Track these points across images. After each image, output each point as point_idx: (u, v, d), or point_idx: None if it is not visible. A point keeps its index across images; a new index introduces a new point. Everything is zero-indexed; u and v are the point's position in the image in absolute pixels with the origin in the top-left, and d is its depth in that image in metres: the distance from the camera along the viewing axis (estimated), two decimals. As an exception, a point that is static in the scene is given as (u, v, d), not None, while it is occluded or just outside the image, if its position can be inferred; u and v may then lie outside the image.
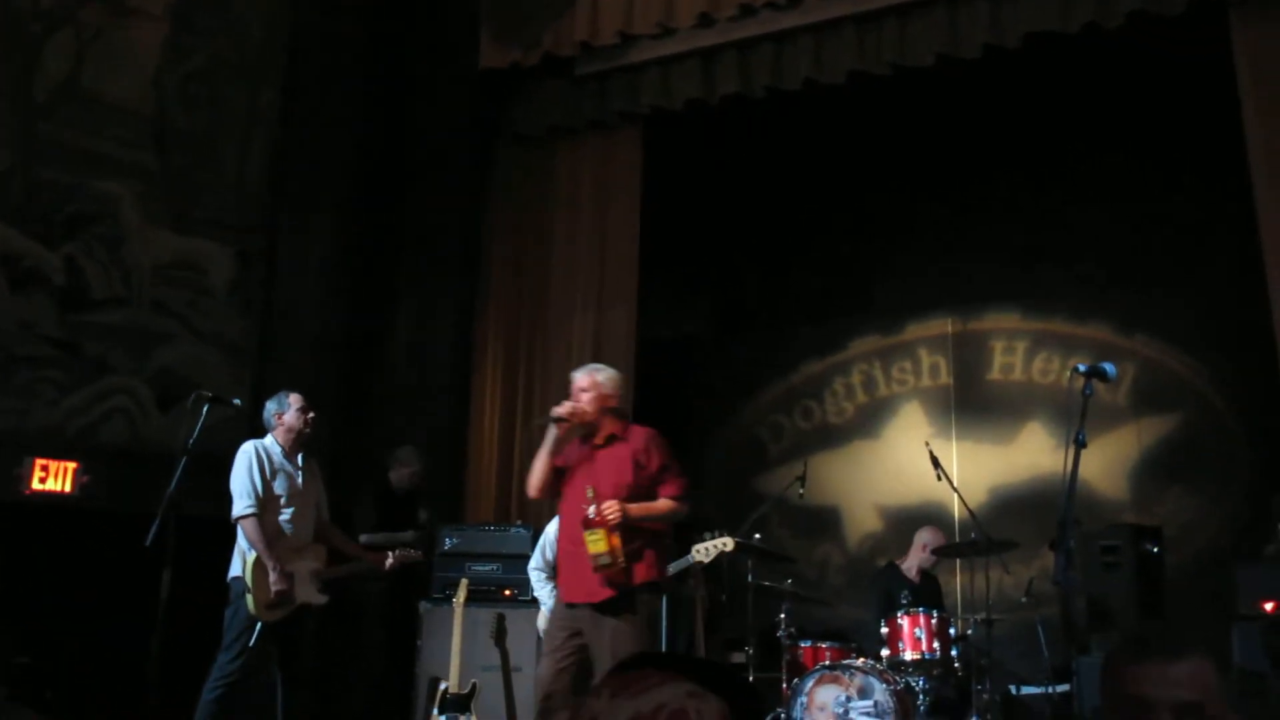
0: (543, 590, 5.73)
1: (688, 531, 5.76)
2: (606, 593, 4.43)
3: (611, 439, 4.67)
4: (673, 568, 5.90)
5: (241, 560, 5.07)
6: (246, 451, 5.18)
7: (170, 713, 4.62)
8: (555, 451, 4.67)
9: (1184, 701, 1.78)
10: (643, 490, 4.56)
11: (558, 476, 4.69)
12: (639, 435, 4.69)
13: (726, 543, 5.68)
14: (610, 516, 4.39)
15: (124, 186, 6.74)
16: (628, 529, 4.44)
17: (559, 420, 4.62)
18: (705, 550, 5.68)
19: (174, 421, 6.39)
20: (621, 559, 4.38)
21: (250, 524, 5.04)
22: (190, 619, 4.88)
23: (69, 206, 6.52)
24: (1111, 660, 1.88)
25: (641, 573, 4.49)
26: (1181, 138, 7.32)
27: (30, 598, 5.78)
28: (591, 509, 4.40)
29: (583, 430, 4.73)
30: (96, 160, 6.66)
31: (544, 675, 4.48)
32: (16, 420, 6.22)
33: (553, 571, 5.71)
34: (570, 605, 4.53)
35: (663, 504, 4.61)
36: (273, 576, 5.01)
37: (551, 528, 5.86)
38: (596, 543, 4.37)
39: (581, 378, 4.78)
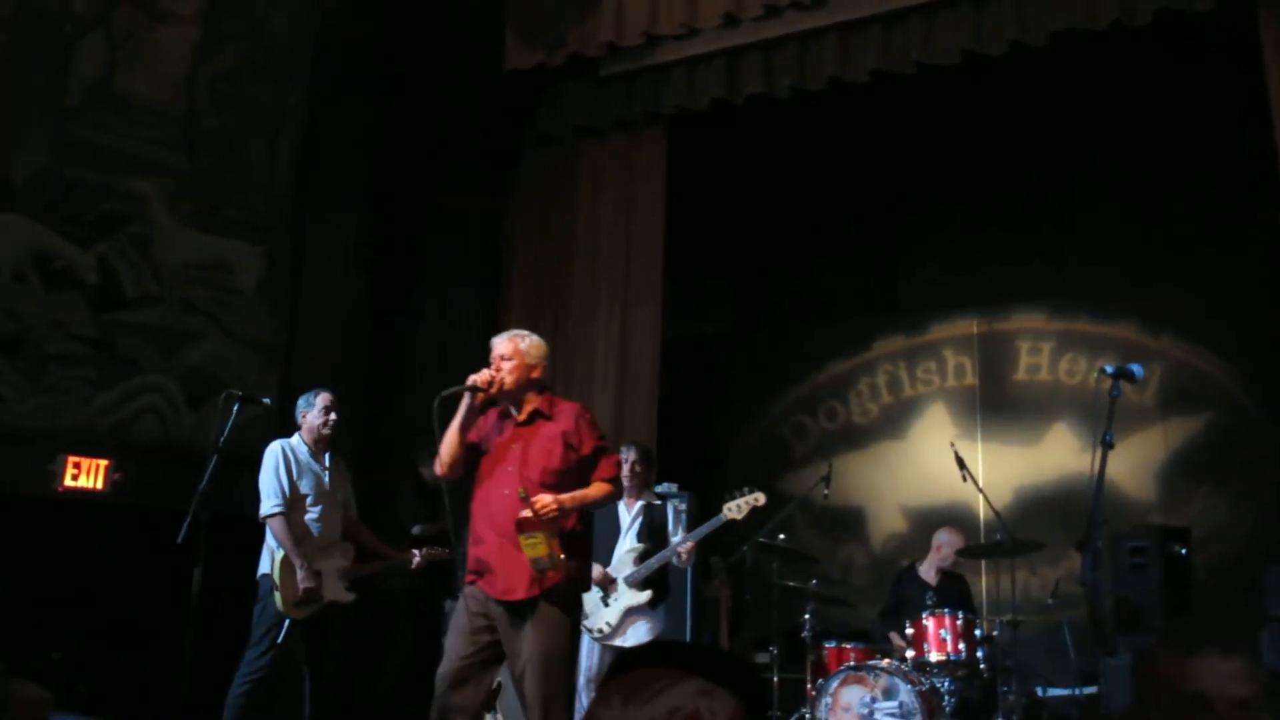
0: None
1: (718, 491, 5.71)
2: (532, 591, 4.00)
3: (536, 416, 4.20)
4: (704, 528, 5.74)
5: (270, 558, 5.12)
6: (273, 451, 5.22)
7: (200, 708, 4.67)
8: (468, 425, 4.17)
9: (1240, 697, 1.76)
10: (572, 474, 4.12)
11: (471, 454, 4.21)
12: (568, 413, 4.24)
13: (759, 497, 5.54)
14: (548, 516, 3.95)
15: (155, 187, 6.82)
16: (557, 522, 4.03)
17: (475, 390, 4.12)
18: (737, 508, 5.52)
19: (204, 420, 6.46)
20: (561, 558, 3.96)
21: (277, 523, 5.08)
22: (220, 615, 4.94)
23: (101, 206, 6.60)
24: (1154, 656, 1.86)
25: (564, 570, 4.06)
26: (1208, 136, 7.28)
27: (63, 594, 5.85)
28: (526, 511, 3.94)
29: (503, 403, 4.25)
30: (127, 161, 6.74)
31: (447, 673, 4.03)
32: (50, 418, 6.31)
33: None
34: (488, 597, 4.08)
35: (597, 489, 4.18)
36: (300, 574, 5.05)
37: None
38: (535, 546, 3.93)
39: (503, 344, 4.24)
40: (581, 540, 4.21)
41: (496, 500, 4.09)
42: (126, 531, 5.97)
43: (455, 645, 4.07)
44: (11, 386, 6.21)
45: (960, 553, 6.44)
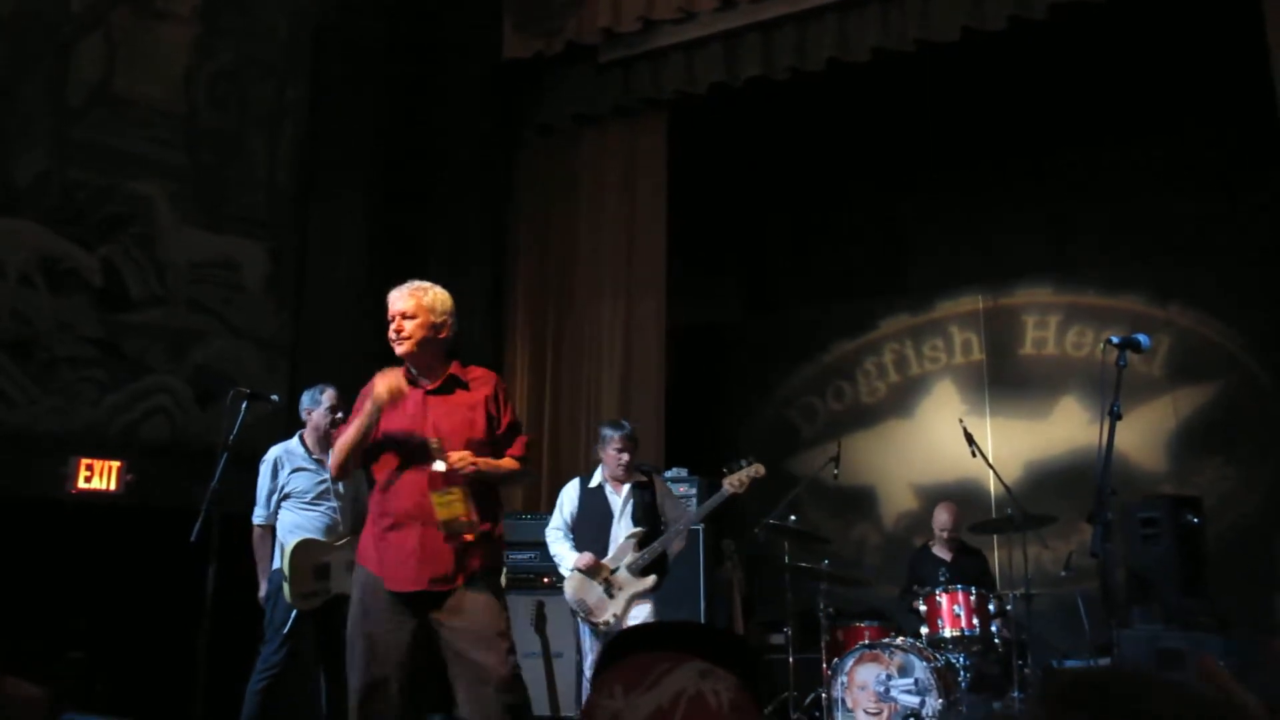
0: (562, 547, 5.41)
1: (714, 467, 5.58)
2: (458, 578, 3.57)
3: (454, 384, 3.75)
4: (709, 505, 5.54)
5: (280, 552, 5.16)
6: (264, 461, 5.31)
7: (216, 704, 4.69)
8: (370, 431, 3.65)
9: None
10: (493, 446, 3.72)
11: (371, 449, 3.73)
12: (486, 379, 3.82)
13: (758, 469, 5.34)
14: (465, 471, 3.51)
15: (157, 187, 6.84)
16: (475, 490, 3.59)
17: (389, 402, 3.61)
18: (738, 481, 5.32)
19: (213, 418, 6.47)
20: (476, 521, 3.53)
21: (255, 534, 5.23)
22: (235, 613, 4.97)
23: (105, 208, 6.62)
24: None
25: (487, 552, 3.67)
26: (1212, 103, 7.25)
27: (79, 594, 5.89)
28: (440, 464, 3.47)
29: (406, 366, 3.79)
30: (130, 161, 6.75)
31: (371, 682, 3.55)
32: (60, 421, 6.33)
33: (568, 530, 5.45)
34: (401, 594, 3.60)
35: (509, 464, 3.74)
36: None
37: (571, 488, 5.58)
38: (451, 505, 3.46)
39: (403, 299, 3.74)
40: (495, 513, 3.80)
41: (417, 478, 3.60)
42: (140, 531, 6.00)
43: (376, 649, 3.57)
44: (22, 390, 6.24)
45: (972, 528, 6.46)
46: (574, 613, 5.36)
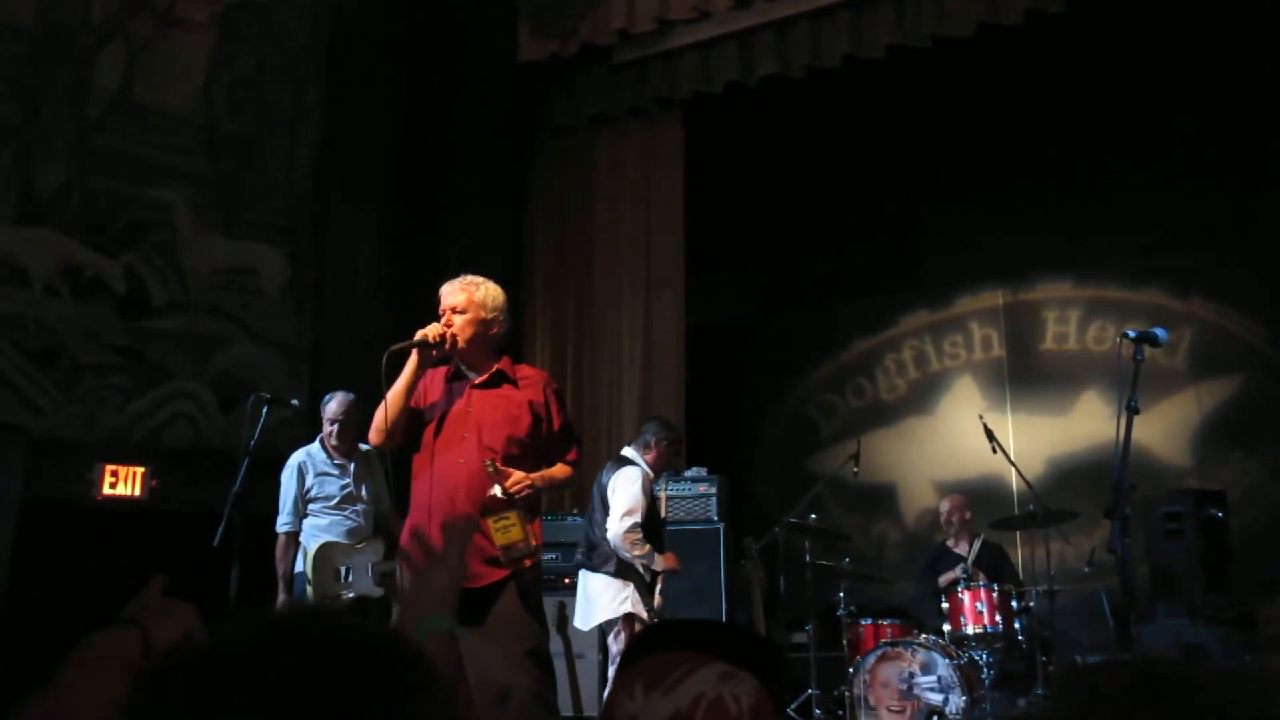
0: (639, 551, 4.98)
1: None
2: (494, 574, 3.44)
3: (501, 379, 3.66)
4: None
5: (303, 555, 5.20)
6: (288, 466, 5.34)
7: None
8: (414, 386, 3.57)
9: None
10: (534, 449, 3.62)
11: (414, 421, 3.63)
12: (536, 380, 3.75)
13: None
14: (522, 494, 3.42)
15: (178, 194, 6.90)
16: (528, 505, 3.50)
17: (426, 347, 3.53)
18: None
19: (236, 423, 6.52)
20: (535, 545, 3.47)
21: (281, 540, 5.25)
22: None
23: (126, 216, 6.68)
24: None
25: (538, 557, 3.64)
26: (1232, 95, 7.19)
27: (108, 600, 5.94)
28: (498, 488, 3.38)
29: (455, 362, 3.71)
30: (150, 169, 6.81)
31: None
32: (85, 427, 6.40)
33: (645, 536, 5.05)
34: None
35: (561, 470, 3.70)
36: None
37: (632, 477, 5.16)
38: (509, 529, 3.36)
39: (454, 293, 3.64)
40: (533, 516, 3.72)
41: (452, 471, 3.51)
42: (165, 536, 6.05)
43: None
44: (48, 398, 6.31)
45: (994, 524, 6.44)
46: (628, 620, 5.06)
